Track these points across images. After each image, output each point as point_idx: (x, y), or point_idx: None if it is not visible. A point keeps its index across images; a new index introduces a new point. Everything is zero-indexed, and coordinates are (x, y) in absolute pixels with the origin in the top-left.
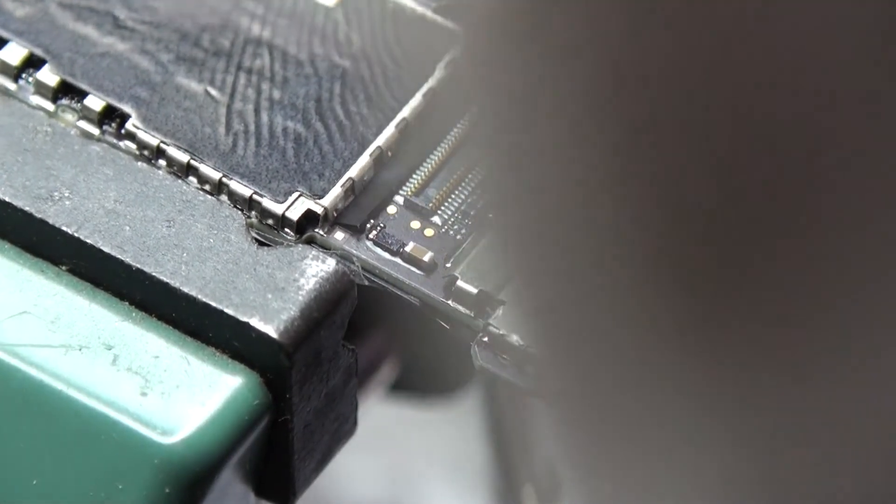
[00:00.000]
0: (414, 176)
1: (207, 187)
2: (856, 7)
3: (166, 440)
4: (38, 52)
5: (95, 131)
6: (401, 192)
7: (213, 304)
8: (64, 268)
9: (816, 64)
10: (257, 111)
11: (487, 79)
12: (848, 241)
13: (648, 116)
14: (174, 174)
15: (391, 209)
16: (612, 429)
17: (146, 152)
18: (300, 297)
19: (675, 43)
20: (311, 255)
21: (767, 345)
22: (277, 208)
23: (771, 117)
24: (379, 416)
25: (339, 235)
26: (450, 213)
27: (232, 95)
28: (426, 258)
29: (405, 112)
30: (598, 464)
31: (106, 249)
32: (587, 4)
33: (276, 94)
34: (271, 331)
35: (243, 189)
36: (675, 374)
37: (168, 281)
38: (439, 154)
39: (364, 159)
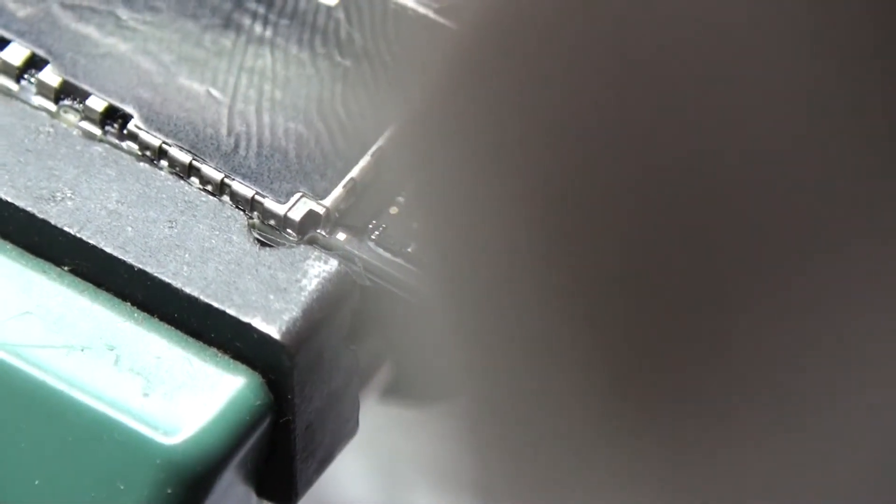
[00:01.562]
0: None
1: (209, 188)
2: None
3: (168, 441)
4: (40, 52)
5: (97, 132)
6: (403, 192)
7: (215, 304)
8: (66, 268)
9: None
10: (259, 112)
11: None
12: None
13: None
14: (176, 175)
15: (393, 210)
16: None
17: (148, 153)
18: (302, 298)
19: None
20: (313, 256)
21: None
22: (279, 209)
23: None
24: (378, 417)
25: (342, 236)
26: None
27: (234, 96)
28: None
29: None
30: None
31: (108, 250)
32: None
33: (278, 95)
34: (273, 331)
35: (245, 190)
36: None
37: (170, 281)
38: None
39: (366, 159)
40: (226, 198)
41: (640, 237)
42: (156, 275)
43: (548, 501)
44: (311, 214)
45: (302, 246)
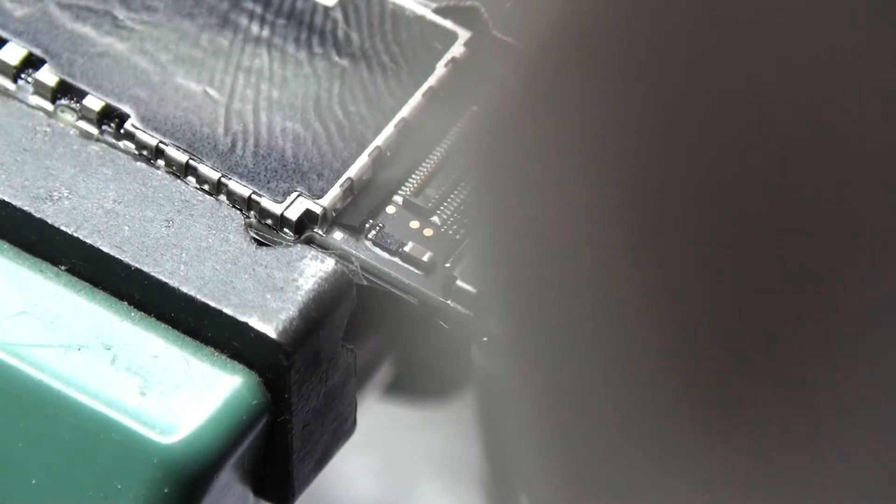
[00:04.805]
0: (413, 176)
1: (206, 187)
2: None
3: (165, 440)
4: (37, 51)
5: (94, 131)
6: (400, 191)
7: (212, 303)
8: (63, 267)
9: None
10: (256, 111)
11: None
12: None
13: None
14: (173, 174)
15: (390, 209)
16: (580, 451)
17: (145, 152)
18: (299, 297)
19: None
20: (309, 255)
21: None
22: (276, 208)
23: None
24: (376, 416)
25: (338, 235)
26: (449, 212)
27: (231, 95)
28: (425, 258)
29: (404, 112)
30: (578, 492)
31: (105, 249)
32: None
33: (275, 94)
34: (270, 331)
35: (242, 189)
36: (676, 421)
37: (167, 281)
38: (438, 154)
39: (363, 159)
40: (222, 197)
41: (732, 237)
42: (153, 274)
43: None
44: (307, 214)
45: (299, 245)
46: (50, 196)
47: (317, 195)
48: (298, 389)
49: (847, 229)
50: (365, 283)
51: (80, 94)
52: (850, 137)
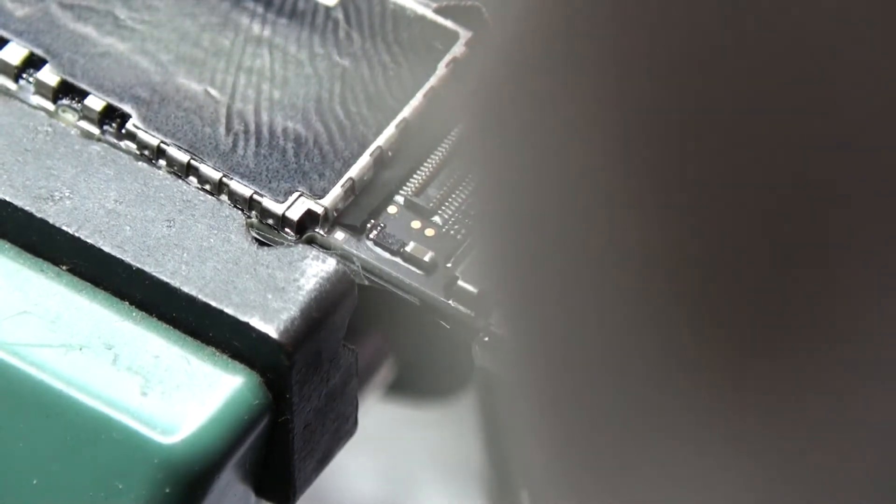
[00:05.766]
0: (414, 176)
1: (208, 187)
2: None
3: (166, 440)
4: (39, 51)
5: (96, 131)
6: (401, 191)
7: (214, 303)
8: (64, 267)
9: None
10: (257, 111)
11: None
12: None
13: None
14: (174, 174)
15: (391, 209)
16: (607, 445)
17: (146, 152)
18: (300, 297)
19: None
20: (311, 255)
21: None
22: (277, 208)
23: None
24: (377, 416)
25: (340, 235)
26: (450, 212)
27: (232, 95)
28: (427, 258)
29: (405, 112)
30: (588, 480)
31: (106, 249)
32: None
33: (276, 94)
34: (271, 331)
35: (243, 189)
36: (687, 400)
37: (168, 281)
38: (440, 154)
39: (364, 159)
40: (224, 197)
41: (752, 208)
42: (154, 274)
43: (645, 486)
44: (309, 214)
45: (300, 245)
46: (51, 196)
47: (318, 195)
48: (300, 389)
49: (871, 198)
50: (366, 283)
51: (81, 94)
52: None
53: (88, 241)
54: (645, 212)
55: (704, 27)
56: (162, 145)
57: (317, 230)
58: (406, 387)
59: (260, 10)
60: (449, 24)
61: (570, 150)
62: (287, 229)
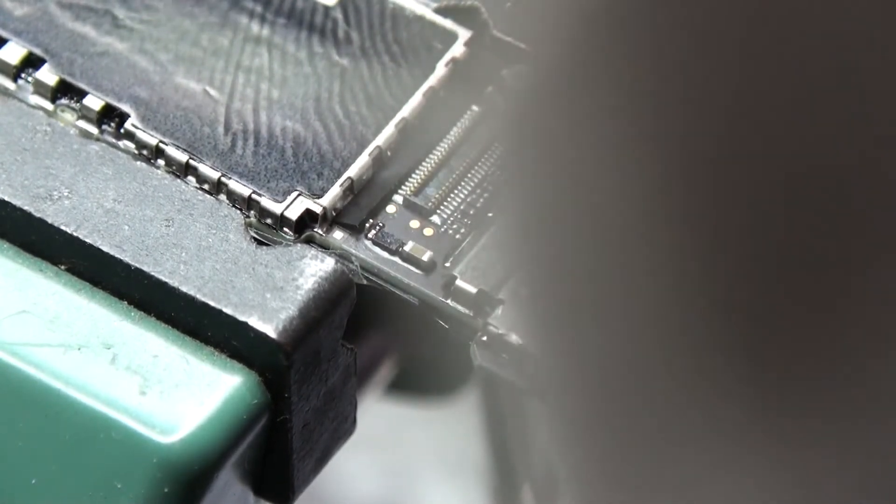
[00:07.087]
0: (413, 175)
1: (206, 187)
2: None
3: (165, 439)
4: (37, 51)
5: (94, 131)
6: (400, 191)
7: (212, 303)
8: (63, 267)
9: None
10: (256, 111)
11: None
12: None
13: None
14: (173, 173)
15: (390, 208)
16: (622, 444)
17: (145, 152)
18: (299, 297)
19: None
20: (309, 255)
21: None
22: (276, 207)
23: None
24: (377, 415)
25: (338, 235)
26: (449, 212)
27: (231, 95)
28: (425, 257)
29: (404, 111)
30: (602, 476)
31: (105, 249)
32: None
33: (275, 94)
34: (270, 330)
35: (242, 188)
36: (723, 422)
37: (167, 280)
38: (439, 153)
39: (363, 159)
40: (222, 196)
41: (783, 204)
42: (152, 273)
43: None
44: (307, 213)
45: (299, 245)
46: (50, 195)
47: (317, 194)
48: (298, 389)
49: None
50: (365, 282)
51: (80, 94)
52: None
53: (87, 240)
54: (681, 231)
55: (743, 53)
56: (160, 145)
57: (315, 229)
58: (405, 386)
59: (259, 9)
60: (448, 24)
61: (608, 170)
62: (286, 229)
